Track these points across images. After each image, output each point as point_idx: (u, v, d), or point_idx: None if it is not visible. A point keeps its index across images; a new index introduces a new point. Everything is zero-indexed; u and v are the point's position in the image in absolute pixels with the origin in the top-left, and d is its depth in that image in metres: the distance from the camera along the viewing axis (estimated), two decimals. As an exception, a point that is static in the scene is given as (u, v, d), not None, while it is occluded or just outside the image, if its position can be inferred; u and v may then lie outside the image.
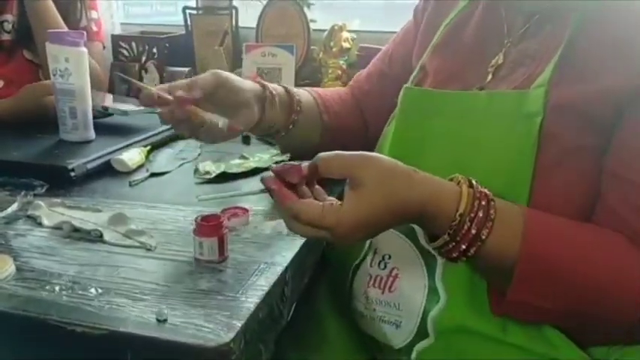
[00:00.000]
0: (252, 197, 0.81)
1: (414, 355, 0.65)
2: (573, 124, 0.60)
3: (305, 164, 0.58)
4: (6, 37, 1.21)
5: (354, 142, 0.78)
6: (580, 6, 0.64)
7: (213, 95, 0.73)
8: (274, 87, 0.83)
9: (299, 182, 0.59)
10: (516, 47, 0.70)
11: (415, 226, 0.65)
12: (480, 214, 0.56)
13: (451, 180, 0.59)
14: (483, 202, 0.56)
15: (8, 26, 1.21)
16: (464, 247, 0.56)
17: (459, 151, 0.65)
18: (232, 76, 0.77)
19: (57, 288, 0.57)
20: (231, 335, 0.50)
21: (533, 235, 0.57)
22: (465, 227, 0.55)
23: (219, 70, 0.76)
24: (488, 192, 0.57)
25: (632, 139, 0.59)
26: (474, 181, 0.58)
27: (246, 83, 0.78)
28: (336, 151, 0.57)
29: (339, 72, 1.35)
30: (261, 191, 0.82)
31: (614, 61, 0.60)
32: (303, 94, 0.87)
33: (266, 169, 0.92)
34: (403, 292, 0.66)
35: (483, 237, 0.56)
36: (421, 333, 0.64)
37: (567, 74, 0.62)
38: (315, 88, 0.92)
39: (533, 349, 0.60)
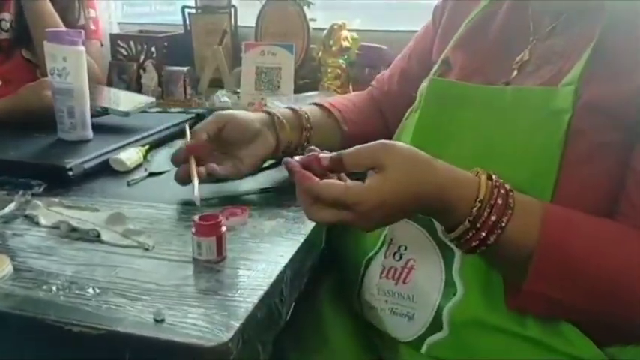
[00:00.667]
0: (250, 197, 0.81)
1: (424, 348, 0.65)
2: (601, 122, 0.60)
3: (325, 155, 0.60)
4: (4, 36, 1.21)
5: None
6: (609, 6, 0.64)
7: (222, 135, 0.80)
8: (280, 111, 0.87)
9: (321, 173, 0.59)
10: (543, 44, 0.70)
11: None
12: (500, 201, 0.56)
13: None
14: (502, 191, 0.57)
15: (6, 25, 1.20)
16: (484, 234, 0.56)
17: (482, 144, 0.65)
18: (236, 112, 0.83)
19: (54, 288, 0.57)
20: (229, 335, 0.50)
21: (551, 225, 0.57)
22: (485, 214, 0.56)
23: (221, 112, 0.83)
24: (506, 185, 0.58)
25: None
26: (492, 175, 0.59)
27: (251, 115, 0.84)
28: (356, 146, 0.58)
29: (339, 71, 1.35)
30: (260, 191, 0.83)
31: None
32: (311, 110, 0.89)
33: (265, 168, 0.92)
34: (418, 284, 0.66)
35: (503, 224, 0.56)
36: (435, 326, 0.64)
37: (597, 73, 0.62)
38: (331, 100, 0.94)
39: (549, 343, 0.60)
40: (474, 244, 0.57)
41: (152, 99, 1.15)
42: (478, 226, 0.56)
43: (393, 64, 0.98)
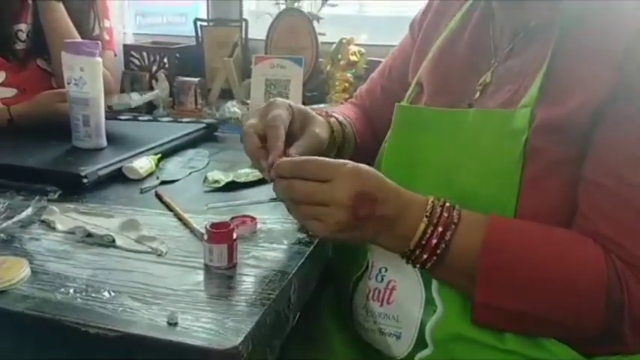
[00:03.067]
0: (260, 206, 0.83)
1: None
2: (557, 139, 0.63)
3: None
4: (20, 45, 1.23)
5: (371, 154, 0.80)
6: (561, 21, 0.66)
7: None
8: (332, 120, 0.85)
9: None
10: (503, 65, 0.72)
11: None
12: (447, 203, 0.62)
13: None
14: (447, 204, 0.62)
15: (22, 35, 1.23)
16: (440, 229, 0.60)
17: (448, 165, 0.68)
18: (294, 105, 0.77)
19: (71, 291, 0.59)
20: (240, 339, 0.51)
21: (494, 231, 0.60)
22: (439, 211, 0.60)
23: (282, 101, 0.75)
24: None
25: (602, 144, 0.62)
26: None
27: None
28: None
29: (346, 84, 1.38)
30: (270, 200, 0.85)
31: (590, 73, 0.62)
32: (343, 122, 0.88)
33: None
34: (401, 304, 0.67)
35: (455, 220, 0.60)
36: (420, 343, 0.66)
37: (550, 93, 0.64)
38: (339, 111, 0.92)
39: (529, 355, 0.62)
40: (434, 241, 0.60)
41: (156, 91, 1.19)
42: (435, 221, 0.60)
43: (370, 79, 0.98)
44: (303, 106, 0.78)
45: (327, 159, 0.62)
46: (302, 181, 0.61)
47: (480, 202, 0.63)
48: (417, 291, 0.66)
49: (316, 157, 0.62)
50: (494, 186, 0.64)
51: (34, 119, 1.09)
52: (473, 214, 0.62)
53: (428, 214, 0.60)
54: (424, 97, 0.78)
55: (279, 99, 0.74)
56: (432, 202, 0.61)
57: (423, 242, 0.60)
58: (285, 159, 0.64)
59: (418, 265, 0.62)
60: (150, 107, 1.46)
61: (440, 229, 0.60)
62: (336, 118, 0.85)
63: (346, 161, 0.61)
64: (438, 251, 0.60)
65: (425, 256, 0.61)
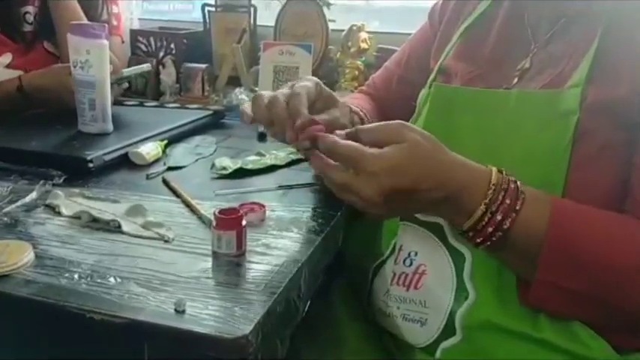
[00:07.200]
0: (268, 193, 0.81)
1: (438, 353, 0.65)
2: (608, 122, 0.61)
3: (340, 132, 0.60)
4: (28, 28, 1.22)
5: None
6: (609, 8, 0.64)
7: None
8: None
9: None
10: (544, 50, 0.70)
11: (443, 223, 0.66)
12: (512, 186, 0.57)
13: None
14: (512, 179, 0.58)
15: (30, 18, 1.22)
16: (499, 217, 0.56)
17: (489, 148, 0.65)
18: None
19: (76, 276, 0.58)
20: (249, 328, 0.50)
21: (560, 214, 0.57)
22: (500, 197, 0.56)
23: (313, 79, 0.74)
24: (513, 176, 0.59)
25: None
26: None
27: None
28: (373, 123, 0.60)
29: (356, 72, 1.36)
30: (278, 188, 0.83)
31: None
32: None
33: (282, 166, 0.92)
34: (430, 290, 0.66)
35: (517, 207, 0.56)
36: (448, 331, 0.64)
37: (600, 75, 0.62)
38: (357, 104, 0.90)
39: (563, 346, 0.60)
40: (490, 229, 0.57)
41: (147, 65, 1.20)
42: (493, 209, 0.56)
43: (385, 68, 0.96)
44: (330, 90, 0.76)
45: (361, 146, 0.57)
46: (335, 169, 0.58)
47: (524, 182, 0.59)
48: (449, 276, 0.65)
49: (350, 144, 0.57)
50: (541, 168, 0.62)
51: (43, 90, 1.08)
52: (537, 195, 0.58)
53: (487, 200, 0.56)
54: (454, 82, 0.75)
55: (309, 76, 0.73)
56: (494, 185, 0.57)
57: (479, 228, 0.57)
58: (324, 136, 0.59)
59: (472, 244, 0.60)
60: (157, 93, 1.45)
61: (499, 217, 0.56)
62: (357, 114, 0.83)
63: (383, 152, 0.55)
64: (494, 238, 0.57)
65: (478, 240, 0.58)
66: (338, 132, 0.60)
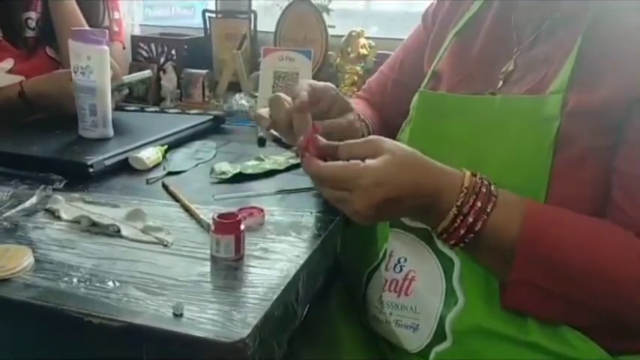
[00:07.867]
0: (267, 198, 0.82)
1: (431, 358, 0.65)
2: (588, 127, 0.61)
3: (321, 139, 0.63)
4: (30, 34, 1.22)
5: None
6: (592, 11, 0.64)
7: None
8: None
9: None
10: (527, 53, 0.70)
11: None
12: (484, 189, 0.59)
13: None
14: (485, 182, 0.60)
15: (32, 23, 1.22)
16: (470, 220, 0.58)
17: (474, 153, 0.66)
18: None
19: (75, 280, 0.58)
20: (247, 331, 0.50)
21: (533, 215, 0.59)
22: (471, 200, 0.58)
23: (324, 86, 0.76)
24: (488, 180, 0.61)
25: (634, 136, 0.60)
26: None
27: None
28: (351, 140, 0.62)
29: (356, 78, 1.36)
30: (277, 192, 0.83)
31: (624, 61, 0.61)
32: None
33: (281, 171, 0.93)
34: (420, 295, 0.66)
35: (488, 210, 0.58)
36: (439, 336, 0.64)
37: (581, 79, 0.63)
38: (358, 109, 0.90)
39: (552, 349, 0.60)
40: (461, 232, 0.58)
41: (148, 71, 1.21)
42: (465, 211, 0.58)
43: (380, 72, 0.97)
44: (346, 98, 0.78)
45: (347, 164, 0.59)
46: (326, 187, 0.60)
47: (507, 187, 0.61)
48: (438, 282, 0.65)
49: (337, 164, 0.60)
50: (524, 173, 0.62)
51: (44, 95, 1.08)
52: (510, 198, 0.60)
53: (459, 203, 0.58)
54: (443, 86, 0.76)
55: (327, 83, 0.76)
56: (466, 188, 0.59)
57: (451, 230, 0.59)
58: (315, 163, 0.61)
59: (448, 246, 0.62)
60: (157, 99, 1.46)
61: (470, 219, 0.58)
62: (364, 121, 0.85)
63: (366, 166, 0.58)
64: (467, 240, 0.59)
65: (452, 242, 0.60)
66: (319, 137, 0.62)
